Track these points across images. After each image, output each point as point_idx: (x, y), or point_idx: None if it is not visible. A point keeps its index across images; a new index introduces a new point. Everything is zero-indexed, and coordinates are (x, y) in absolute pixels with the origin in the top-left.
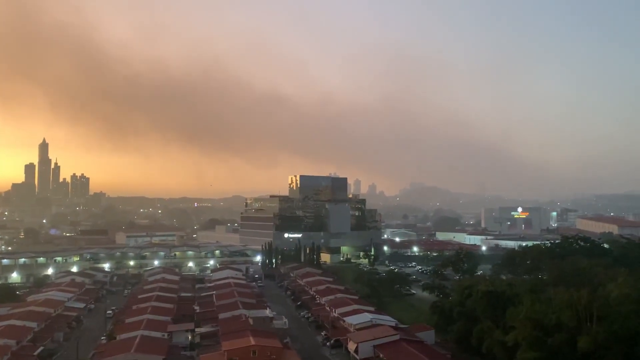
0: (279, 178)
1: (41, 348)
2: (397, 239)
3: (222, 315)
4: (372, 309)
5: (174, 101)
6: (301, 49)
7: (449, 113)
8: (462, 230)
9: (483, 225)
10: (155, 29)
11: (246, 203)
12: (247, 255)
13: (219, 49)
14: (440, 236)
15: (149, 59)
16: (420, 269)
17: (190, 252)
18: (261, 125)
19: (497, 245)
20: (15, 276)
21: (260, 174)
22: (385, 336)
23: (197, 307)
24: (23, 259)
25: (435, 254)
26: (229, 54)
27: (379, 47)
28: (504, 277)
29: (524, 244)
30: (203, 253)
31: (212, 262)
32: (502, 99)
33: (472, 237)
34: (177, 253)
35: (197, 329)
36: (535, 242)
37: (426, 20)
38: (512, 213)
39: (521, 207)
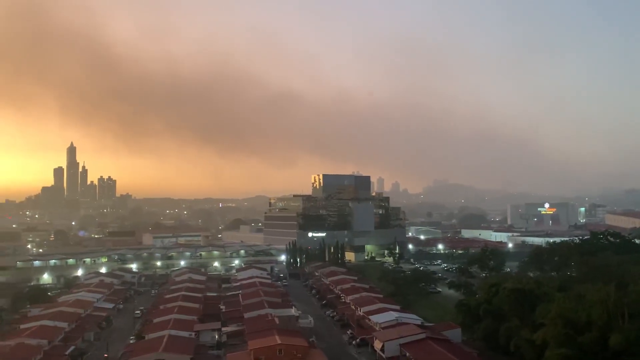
0: (297, 177)
1: (72, 347)
2: (422, 237)
3: (247, 315)
4: (397, 307)
5: (188, 101)
6: (313, 44)
7: (471, 107)
8: (488, 228)
9: (509, 222)
10: (165, 29)
11: (270, 203)
12: (271, 255)
13: (230, 46)
14: (466, 233)
15: (161, 59)
16: (445, 266)
17: (215, 252)
18: (276, 124)
19: (523, 242)
20: (46, 277)
21: (279, 174)
22: (412, 335)
23: (223, 307)
24: (53, 261)
25: (460, 252)
26: (241, 51)
27: (395, 39)
28: (531, 275)
29: (551, 241)
30: (228, 253)
31: (237, 261)
32: (527, 91)
33: (498, 234)
34: (202, 253)
35: (223, 328)
36: (563, 239)
37: (445, 9)
38: (539, 209)
39: (548, 203)
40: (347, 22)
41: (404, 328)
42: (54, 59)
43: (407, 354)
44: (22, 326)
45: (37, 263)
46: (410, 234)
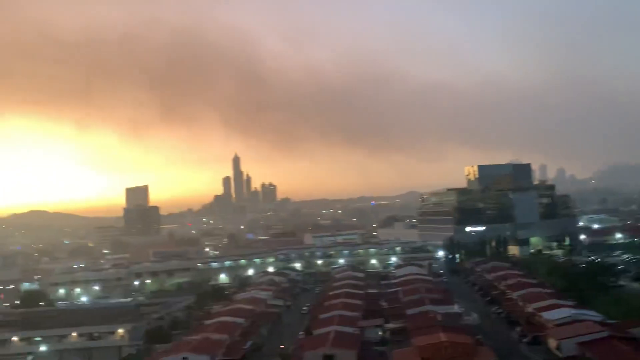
0: (448, 171)
1: (250, 342)
2: (596, 226)
3: (409, 311)
4: (571, 303)
5: (334, 104)
6: (455, 30)
7: None
8: None
9: None
10: (307, 36)
11: (422, 198)
12: (428, 251)
13: (368, 45)
14: None
15: (306, 67)
16: (627, 258)
17: (372, 250)
18: (423, 118)
19: None
20: (223, 277)
21: (428, 169)
22: (591, 332)
23: (384, 303)
24: (228, 262)
25: None
26: (381, 48)
27: (544, 13)
28: None
29: None
30: (385, 250)
31: (394, 258)
32: None
33: None
34: (360, 251)
35: (386, 325)
36: None
37: None
38: None
39: None
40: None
41: (581, 325)
42: (214, 79)
43: (587, 354)
44: (206, 322)
45: (214, 264)
46: (581, 223)
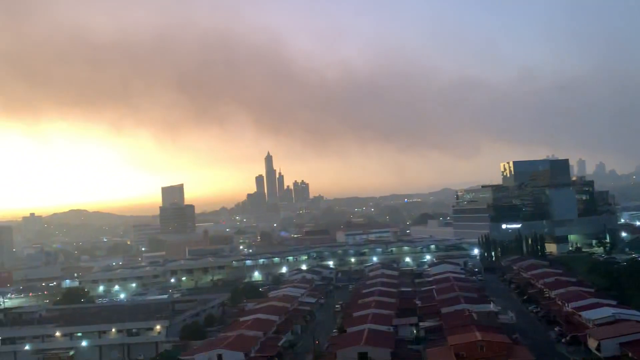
0: (483, 167)
1: (284, 339)
2: (638, 223)
3: (444, 310)
4: (613, 302)
5: (365, 101)
6: (488, 23)
7: None
8: None
9: None
10: (336, 33)
11: (457, 195)
12: (463, 249)
13: (401, 40)
14: None
15: (336, 64)
16: None
17: (406, 248)
18: (456, 113)
19: None
20: (256, 275)
21: (462, 165)
22: (634, 332)
23: (418, 302)
24: (262, 260)
25: None
26: (412, 44)
27: (579, 5)
28: None
29: None
30: (419, 248)
31: (428, 256)
32: None
33: None
34: (393, 249)
35: (420, 323)
36: None
37: None
38: None
39: None
40: None
41: (623, 325)
42: (245, 79)
43: (630, 354)
44: (241, 319)
45: (248, 262)
46: (622, 220)
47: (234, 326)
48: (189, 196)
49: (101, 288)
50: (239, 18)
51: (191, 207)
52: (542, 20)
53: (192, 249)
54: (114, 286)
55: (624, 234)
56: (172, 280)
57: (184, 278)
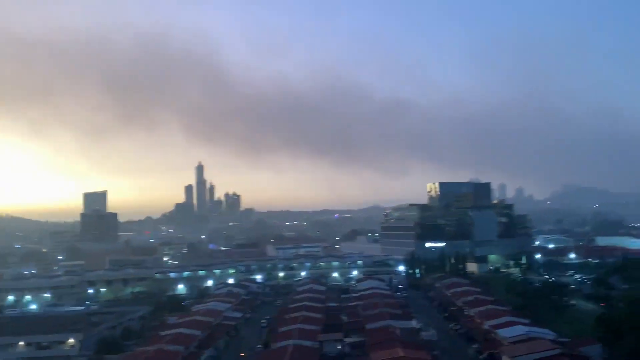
0: (412, 187)
1: (206, 354)
2: (552, 246)
3: (369, 326)
4: (526, 321)
5: (301, 116)
6: (421, 47)
7: (599, 103)
8: (627, 234)
9: None
10: (275, 47)
11: (385, 213)
12: (389, 266)
13: (338, 58)
14: (601, 241)
15: (273, 77)
16: (579, 277)
17: (334, 263)
18: (388, 133)
19: None
20: (181, 288)
21: (393, 184)
22: (544, 350)
23: (344, 317)
24: (187, 272)
25: (596, 261)
26: (350, 61)
27: (508, 36)
28: None
29: None
30: (347, 263)
31: (355, 272)
32: None
33: (639, 241)
34: (322, 264)
35: (345, 339)
36: None
37: (565, 3)
38: None
39: None
40: (458, 21)
41: (535, 343)
42: (179, 85)
43: None
44: (161, 333)
45: (172, 274)
46: (537, 243)
47: (153, 340)
48: (113, 204)
49: (11, 298)
50: (177, 23)
51: (114, 215)
52: (471, 48)
53: (112, 259)
54: (25, 296)
55: (538, 256)
56: (90, 291)
57: (102, 289)
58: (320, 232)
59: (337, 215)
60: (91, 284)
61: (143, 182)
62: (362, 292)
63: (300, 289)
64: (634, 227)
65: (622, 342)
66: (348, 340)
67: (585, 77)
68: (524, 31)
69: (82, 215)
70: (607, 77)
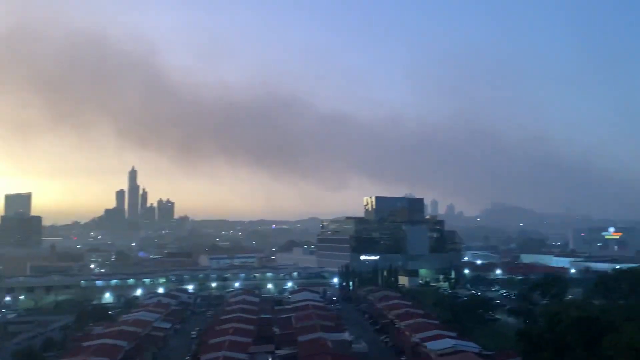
0: (349, 200)
1: None
2: (479, 262)
3: (301, 338)
4: (453, 334)
5: (241, 124)
6: (363, 63)
7: (529, 126)
8: (549, 252)
9: (571, 246)
10: (219, 54)
11: (322, 225)
12: (324, 277)
13: (281, 69)
14: (525, 258)
15: (215, 84)
16: (504, 293)
17: (269, 274)
18: (328, 146)
19: (587, 268)
20: (108, 297)
21: (331, 196)
22: None
23: (276, 329)
24: (115, 281)
25: (520, 277)
26: (293, 73)
27: (447, 57)
28: (596, 303)
29: (617, 267)
30: (281, 275)
31: (290, 283)
32: (589, 110)
33: (559, 259)
34: (256, 275)
35: (277, 351)
36: (631, 265)
37: (502, 22)
38: (603, 234)
39: (613, 227)
40: (399, 39)
41: (460, 356)
42: (113, 87)
43: None
44: (84, 344)
45: (99, 283)
46: (466, 258)
47: (75, 352)
48: (38, 207)
49: None
50: (115, 23)
51: (38, 218)
52: (412, 66)
53: (35, 265)
54: None
55: (466, 271)
56: (8, 298)
57: (22, 297)
58: (256, 242)
59: (274, 225)
60: (9, 290)
61: (72, 185)
62: (295, 304)
63: (232, 299)
64: (555, 245)
65: (542, 355)
66: (279, 352)
67: (521, 102)
68: (465, 52)
69: (3, 218)
70: (541, 104)
